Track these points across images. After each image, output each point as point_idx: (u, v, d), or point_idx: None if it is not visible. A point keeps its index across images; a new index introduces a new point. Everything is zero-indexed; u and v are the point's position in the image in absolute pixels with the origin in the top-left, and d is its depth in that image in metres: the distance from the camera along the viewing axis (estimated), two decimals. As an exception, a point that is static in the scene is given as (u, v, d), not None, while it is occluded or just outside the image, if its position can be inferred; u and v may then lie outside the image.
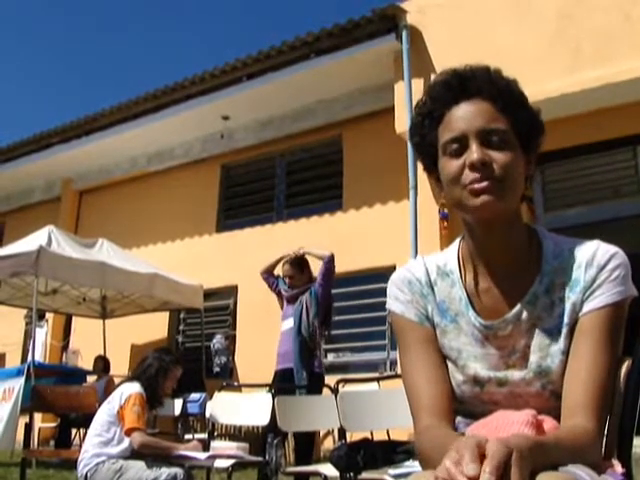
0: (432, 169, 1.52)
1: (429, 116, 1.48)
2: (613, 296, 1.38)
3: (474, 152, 1.36)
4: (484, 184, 1.34)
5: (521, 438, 1.09)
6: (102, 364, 9.90)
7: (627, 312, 1.41)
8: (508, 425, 1.27)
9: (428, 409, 1.42)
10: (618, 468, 1.38)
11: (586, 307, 1.39)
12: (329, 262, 6.29)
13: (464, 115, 1.41)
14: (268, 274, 6.72)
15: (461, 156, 1.39)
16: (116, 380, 8.60)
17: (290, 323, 6.18)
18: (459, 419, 1.50)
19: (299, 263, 6.40)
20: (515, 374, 1.44)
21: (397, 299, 1.56)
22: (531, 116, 1.47)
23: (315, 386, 5.77)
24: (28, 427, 5.43)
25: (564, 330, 1.41)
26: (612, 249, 1.42)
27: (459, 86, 1.43)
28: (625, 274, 1.40)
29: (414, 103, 1.57)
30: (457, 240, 1.59)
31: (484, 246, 1.47)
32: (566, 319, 1.41)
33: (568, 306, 1.41)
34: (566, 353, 1.40)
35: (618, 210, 7.67)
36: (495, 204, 1.35)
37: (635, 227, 7.71)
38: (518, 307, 1.44)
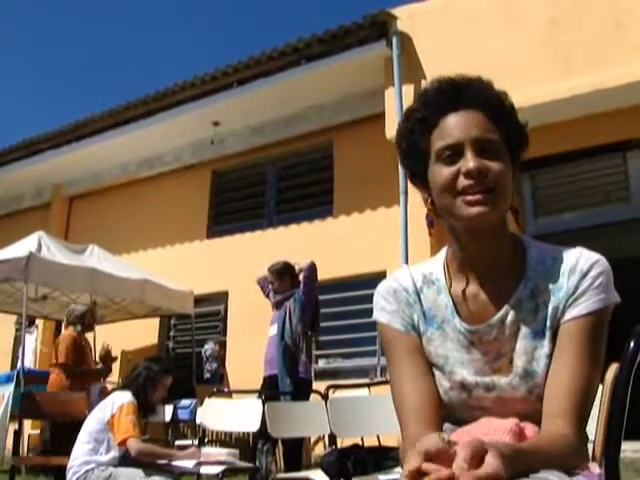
0: (418, 175, 1.53)
1: (422, 122, 1.47)
2: (595, 304, 1.39)
3: (470, 160, 1.38)
4: (478, 196, 1.37)
5: (499, 442, 1.11)
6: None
7: (610, 318, 1.42)
8: (491, 432, 1.28)
9: (415, 418, 1.43)
10: (595, 469, 1.38)
11: (569, 314, 1.40)
12: (308, 270, 6.40)
13: (460, 123, 1.42)
14: (265, 281, 6.77)
15: (454, 164, 1.40)
16: (107, 387, 8.56)
17: (275, 329, 6.23)
18: (447, 425, 1.51)
19: (278, 271, 6.49)
20: (502, 379, 1.45)
21: (383, 309, 1.57)
22: (519, 129, 1.50)
23: (301, 392, 5.78)
24: (17, 434, 5.41)
25: (548, 334, 1.42)
26: (594, 256, 1.44)
27: (454, 94, 1.45)
28: (607, 282, 1.41)
29: (405, 109, 1.56)
30: (443, 249, 1.61)
31: (470, 252, 1.48)
32: (549, 322, 1.43)
33: (551, 310, 1.43)
34: (551, 357, 1.41)
35: (608, 215, 7.70)
36: (489, 214, 1.37)
37: (625, 232, 7.75)
38: (502, 311, 1.45)
